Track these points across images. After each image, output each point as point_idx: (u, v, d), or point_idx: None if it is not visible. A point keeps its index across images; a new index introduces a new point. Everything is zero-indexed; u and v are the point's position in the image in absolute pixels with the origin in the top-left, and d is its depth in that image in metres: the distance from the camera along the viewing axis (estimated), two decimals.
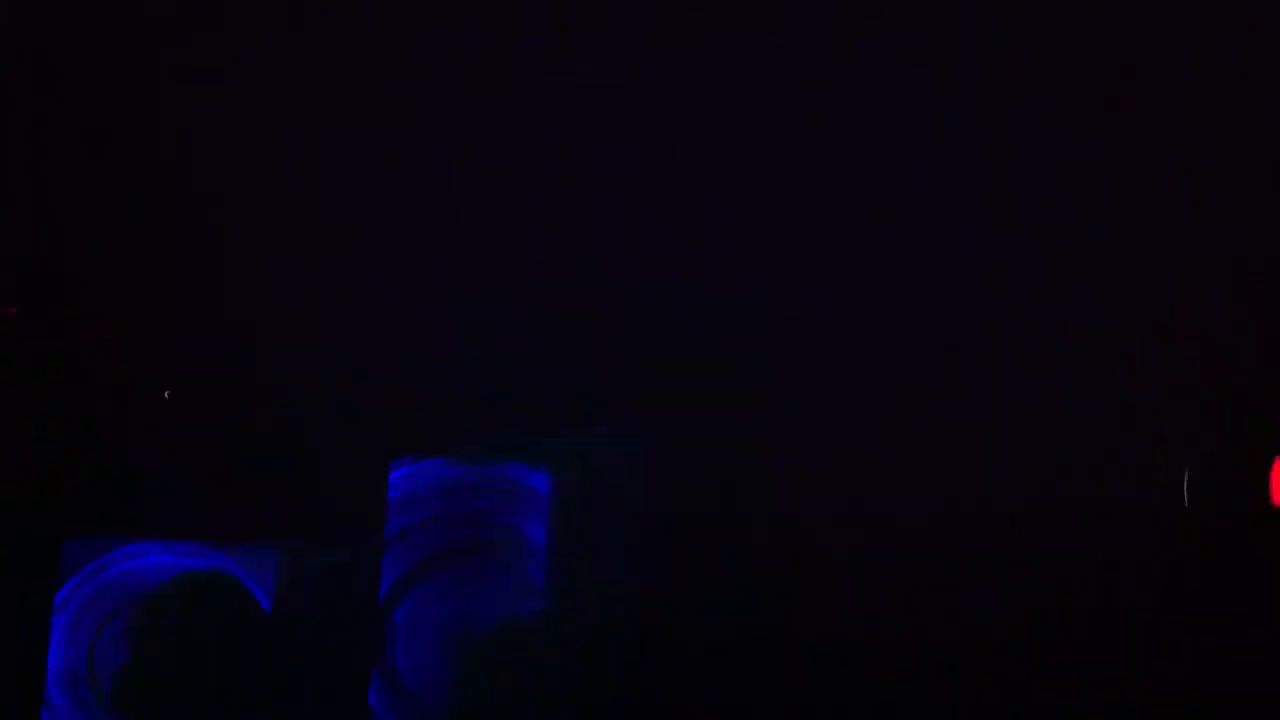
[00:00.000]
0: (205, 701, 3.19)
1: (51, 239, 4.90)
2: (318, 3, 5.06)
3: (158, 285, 4.94)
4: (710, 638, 4.49)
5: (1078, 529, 4.77)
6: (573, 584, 4.49)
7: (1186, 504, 4.80)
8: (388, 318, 4.96)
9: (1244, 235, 5.00)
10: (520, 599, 4.49)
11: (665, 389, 4.90)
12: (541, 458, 4.56)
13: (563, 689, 4.20)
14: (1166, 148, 5.08)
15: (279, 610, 4.17)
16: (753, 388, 4.92)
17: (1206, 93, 5.08)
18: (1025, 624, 4.64)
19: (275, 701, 3.67)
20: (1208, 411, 4.89)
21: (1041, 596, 4.67)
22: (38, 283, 4.83)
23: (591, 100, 5.04)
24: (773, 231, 5.05)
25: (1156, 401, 4.90)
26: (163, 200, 4.96)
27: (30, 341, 4.76)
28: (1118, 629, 4.65)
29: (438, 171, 5.04)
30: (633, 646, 4.34)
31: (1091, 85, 5.13)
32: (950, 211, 5.07)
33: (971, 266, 5.04)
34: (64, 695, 4.28)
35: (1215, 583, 4.67)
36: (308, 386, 4.85)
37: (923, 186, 5.07)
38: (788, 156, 5.07)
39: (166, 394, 4.75)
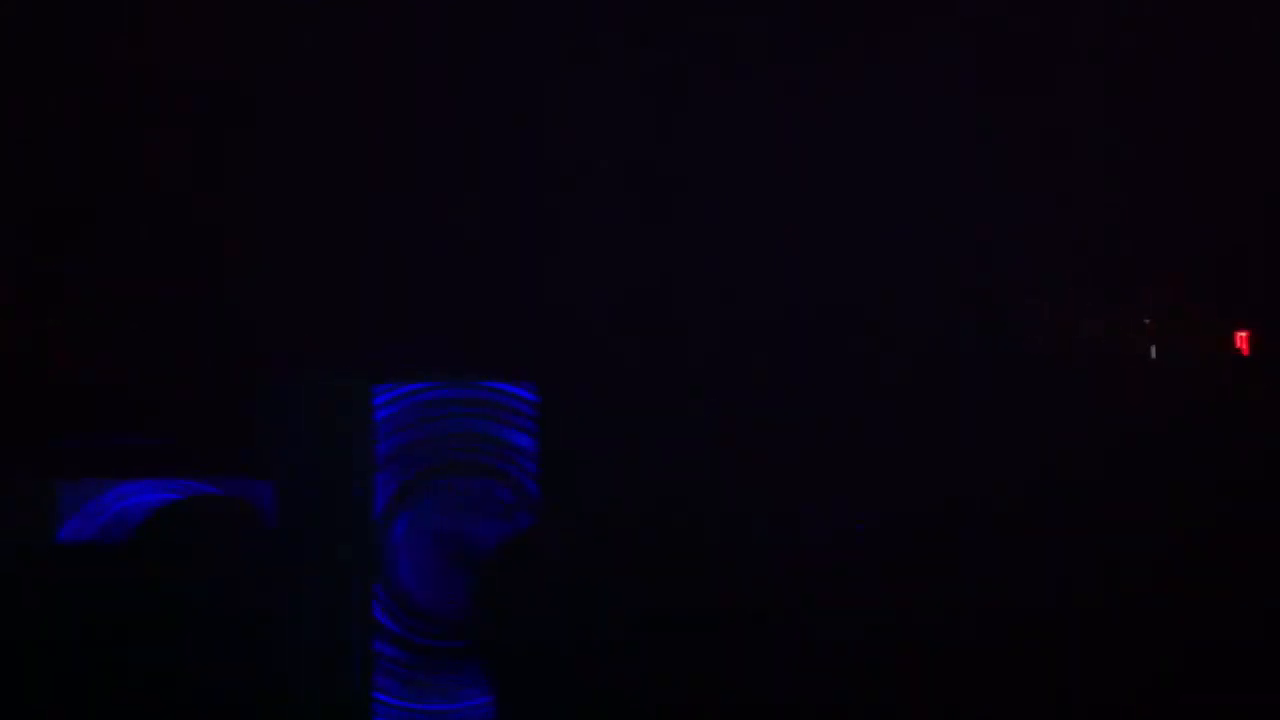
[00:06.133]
0: (217, 626, 3.21)
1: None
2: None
3: (146, 229, 4.96)
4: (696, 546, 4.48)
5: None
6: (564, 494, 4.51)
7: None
8: (367, 244, 4.97)
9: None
10: (514, 510, 4.51)
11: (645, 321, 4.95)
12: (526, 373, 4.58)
13: (557, 596, 4.19)
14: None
15: (280, 533, 4.21)
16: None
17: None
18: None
19: (284, 621, 3.70)
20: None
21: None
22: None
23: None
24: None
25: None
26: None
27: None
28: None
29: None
30: (623, 554, 4.33)
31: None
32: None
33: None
34: None
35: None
36: (286, 317, 4.88)
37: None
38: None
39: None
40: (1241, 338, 5.17)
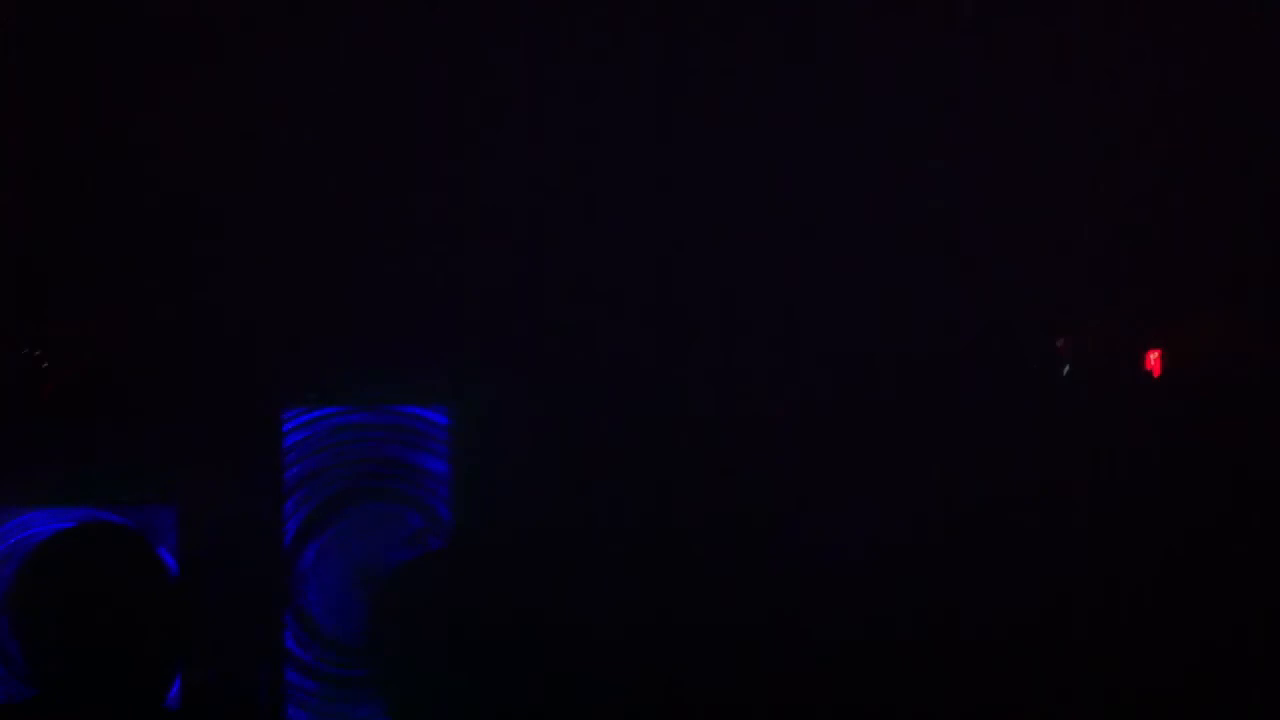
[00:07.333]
0: (120, 659, 3.11)
1: None
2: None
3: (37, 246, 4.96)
4: (621, 568, 4.43)
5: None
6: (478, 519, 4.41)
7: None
8: (276, 263, 4.95)
9: None
10: (426, 536, 4.43)
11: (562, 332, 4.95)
12: (439, 396, 4.47)
13: (474, 623, 4.12)
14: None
15: (185, 563, 4.08)
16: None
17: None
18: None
19: (190, 652, 3.56)
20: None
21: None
22: None
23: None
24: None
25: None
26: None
27: None
28: None
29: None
30: (540, 578, 4.27)
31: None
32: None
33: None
34: None
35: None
36: (194, 335, 4.85)
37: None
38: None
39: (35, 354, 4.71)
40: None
